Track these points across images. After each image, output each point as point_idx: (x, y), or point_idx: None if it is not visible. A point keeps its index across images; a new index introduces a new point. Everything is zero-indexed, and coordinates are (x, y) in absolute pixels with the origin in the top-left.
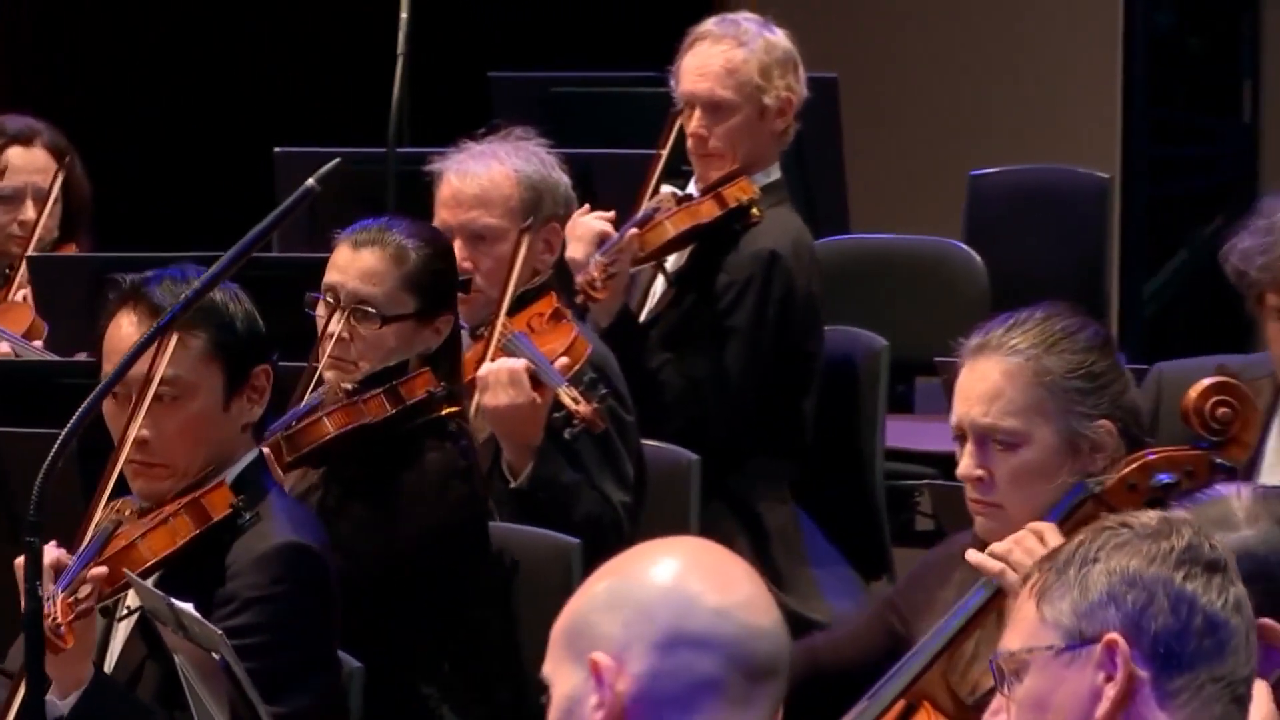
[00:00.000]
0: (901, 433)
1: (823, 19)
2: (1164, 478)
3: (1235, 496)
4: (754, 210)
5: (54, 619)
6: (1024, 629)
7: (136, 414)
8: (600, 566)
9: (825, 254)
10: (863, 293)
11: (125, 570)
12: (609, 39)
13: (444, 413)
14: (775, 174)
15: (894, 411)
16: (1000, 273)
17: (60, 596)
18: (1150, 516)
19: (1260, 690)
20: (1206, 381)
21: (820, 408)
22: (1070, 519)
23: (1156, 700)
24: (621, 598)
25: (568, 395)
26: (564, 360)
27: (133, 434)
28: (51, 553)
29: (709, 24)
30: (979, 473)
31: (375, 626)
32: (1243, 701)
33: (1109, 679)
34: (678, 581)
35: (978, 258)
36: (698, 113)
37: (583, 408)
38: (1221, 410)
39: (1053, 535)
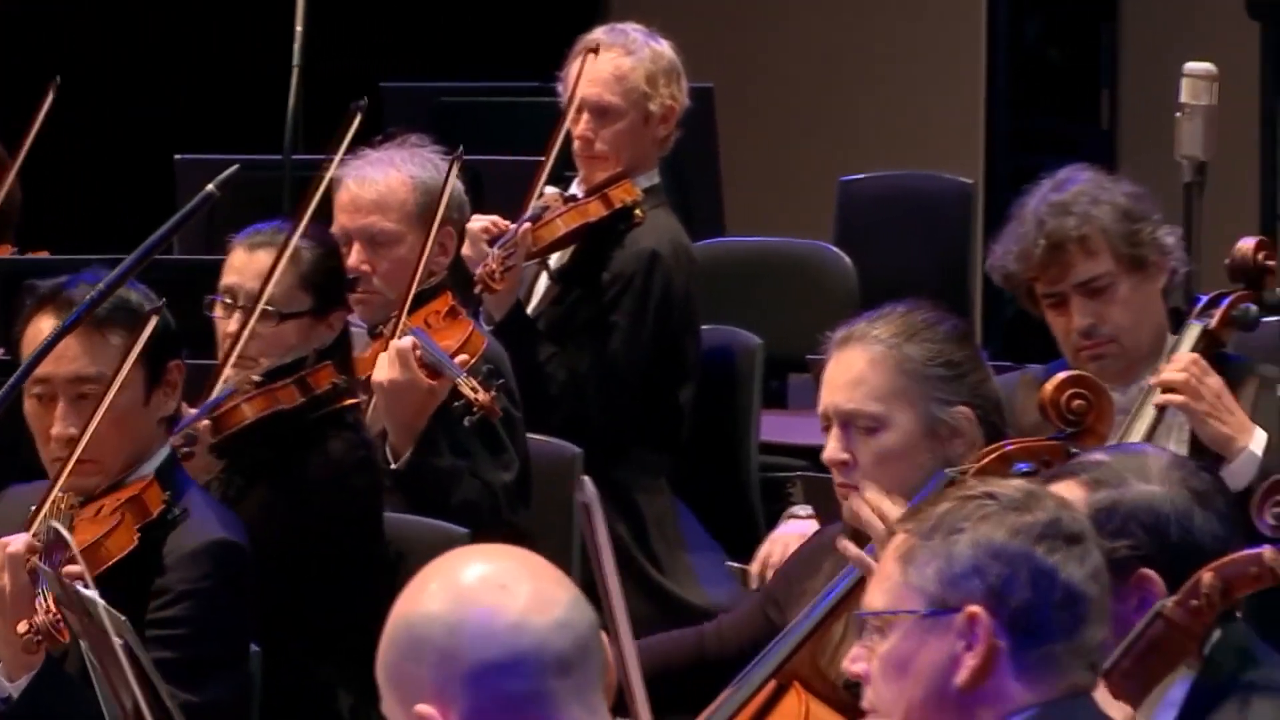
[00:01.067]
0: (775, 426)
1: (699, 30)
2: (1022, 467)
3: (1154, 454)
4: (637, 211)
5: (53, 615)
6: (888, 589)
7: (95, 413)
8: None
9: (702, 256)
10: (738, 293)
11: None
12: (495, 51)
13: (344, 404)
14: (655, 178)
15: (768, 406)
16: (869, 274)
17: (50, 594)
18: (1016, 487)
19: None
20: (1062, 375)
21: (698, 403)
22: None
23: (1014, 670)
24: (421, 644)
25: (467, 385)
26: (463, 355)
27: (91, 429)
28: (23, 539)
29: (598, 33)
30: (844, 456)
31: (274, 608)
32: (1096, 668)
33: (969, 648)
34: (464, 612)
35: (847, 259)
36: (585, 117)
37: (482, 396)
38: (1077, 402)
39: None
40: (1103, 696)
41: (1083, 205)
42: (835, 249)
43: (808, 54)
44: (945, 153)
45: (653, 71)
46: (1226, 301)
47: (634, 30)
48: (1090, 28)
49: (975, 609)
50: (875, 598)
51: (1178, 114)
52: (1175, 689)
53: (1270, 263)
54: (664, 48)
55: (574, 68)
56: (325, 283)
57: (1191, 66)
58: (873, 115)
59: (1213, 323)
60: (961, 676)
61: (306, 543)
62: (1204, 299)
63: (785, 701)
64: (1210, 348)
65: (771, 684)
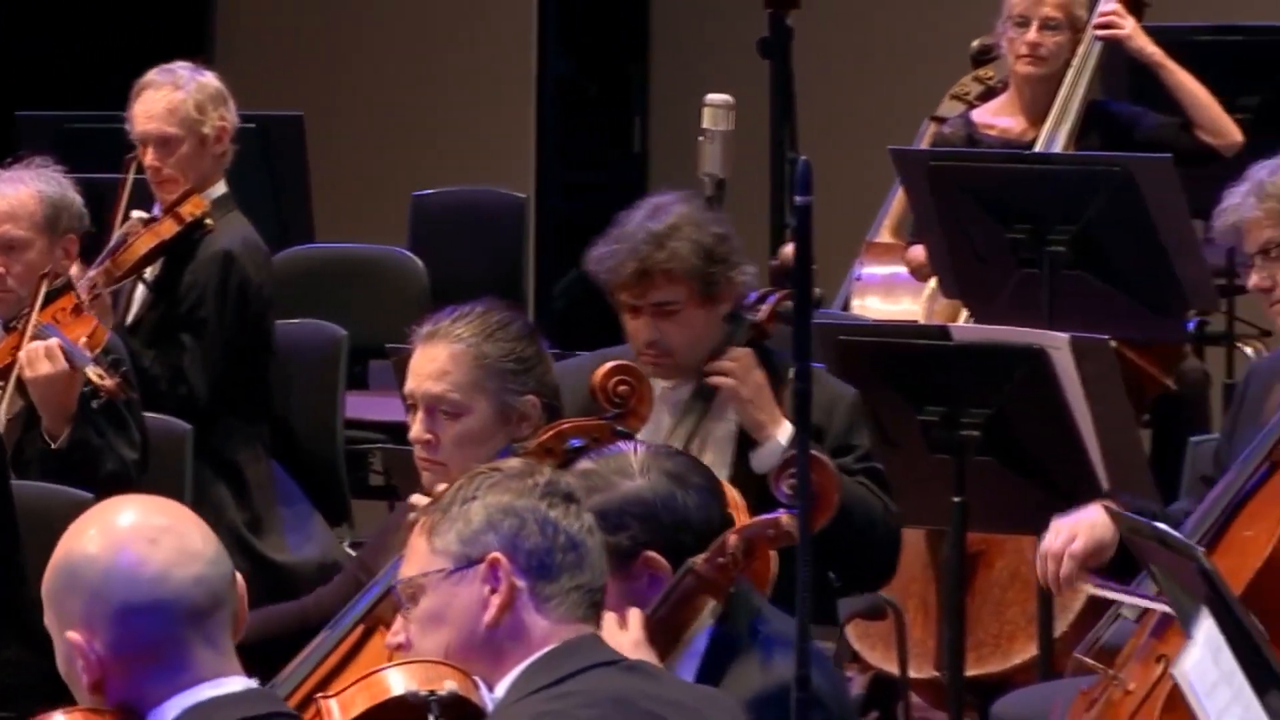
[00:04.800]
0: (358, 405)
1: (292, 66)
2: (575, 442)
3: (632, 452)
4: (207, 221)
5: None
6: (417, 560)
7: None
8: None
9: (294, 259)
10: (326, 291)
11: None
12: (115, 82)
13: None
14: (222, 189)
15: (351, 388)
16: (438, 274)
17: None
18: (516, 462)
19: (634, 616)
20: (609, 364)
21: (292, 385)
22: None
23: (534, 606)
24: (76, 580)
25: (94, 372)
26: (88, 345)
27: None
28: None
29: (151, 74)
30: (427, 436)
31: None
32: (599, 607)
33: (494, 590)
34: (118, 558)
35: (420, 262)
36: (151, 149)
37: (108, 381)
38: (621, 388)
39: None
40: (609, 632)
41: (676, 241)
42: (409, 253)
43: (385, 86)
44: (502, 171)
45: (200, 100)
46: (773, 299)
47: (181, 68)
48: (623, 65)
49: (496, 555)
50: (408, 569)
51: (700, 138)
52: (698, 639)
53: (813, 266)
54: (208, 79)
55: (134, 108)
56: None
57: (712, 97)
58: (440, 139)
59: (760, 317)
60: (490, 615)
61: None
62: (754, 296)
63: (372, 642)
64: (757, 339)
65: (360, 628)
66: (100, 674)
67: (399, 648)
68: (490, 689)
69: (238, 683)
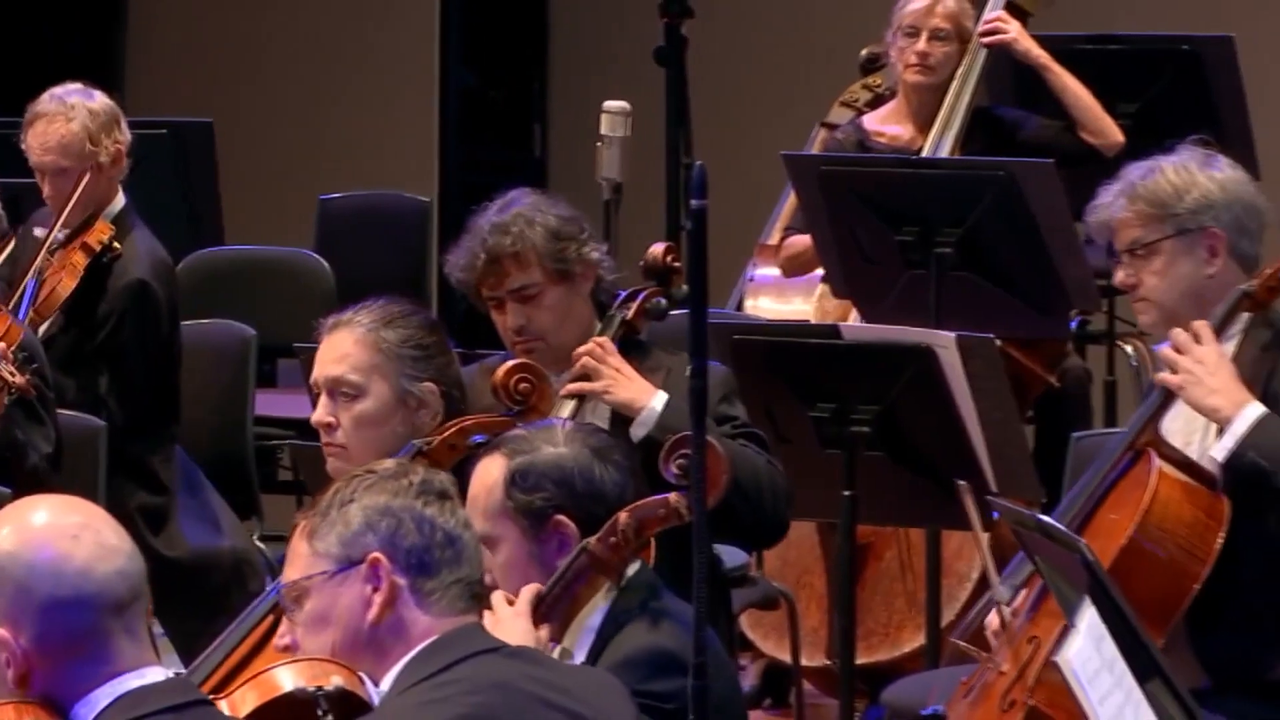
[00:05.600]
0: (267, 403)
1: (203, 75)
2: (478, 438)
3: (560, 426)
4: (115, 245)
5: None
6: (299, 563)
7: None
8: None
9: (205, 261)
10: (236, 292)
11: None
12: (31, 89)
13: None
14: (121, 201)
15: (261, 386)
16: (344, 276)
17: None
18: (390, 463)
19: (525, 592)
20: (511, 362)
21: (203, 383)
22: None
23: (415, 602)
24: (3, 575)
25: (4, 370)
26: (1, 345)
27: None
28: None
29: (43, 102)
30: (329, 419)
31: None
32: (480, 599)
33: (376, 589)
34: (40, 554)
35: (326, 264)
36: (48, 181)
37: (19, 379)
38: (522, 385)
39: None
40: (493, 621)
41: (519, 226)
42: (316, 255)
43: (293, 95)
44: (407, 175)
45: (92, 130)
46: (641, 296)
47: (71, 95)
48: (523, 73)
49: (377, 555)
50: (290, 573)
51: (598, 144)
52: (594, 617)
53: (677, 264)
54: (98, 103)
55: (28, 138)
56: None
57: (610, 104)
58: (347, 144)
59: (629, 314)
60: (373, 613)
61: None
62: (623, 294)
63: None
64: (627, 335)
65: (270, 618)
66: (26, 667)
67: (286, 649)
68: (376, 684)
69: (158, 672)
